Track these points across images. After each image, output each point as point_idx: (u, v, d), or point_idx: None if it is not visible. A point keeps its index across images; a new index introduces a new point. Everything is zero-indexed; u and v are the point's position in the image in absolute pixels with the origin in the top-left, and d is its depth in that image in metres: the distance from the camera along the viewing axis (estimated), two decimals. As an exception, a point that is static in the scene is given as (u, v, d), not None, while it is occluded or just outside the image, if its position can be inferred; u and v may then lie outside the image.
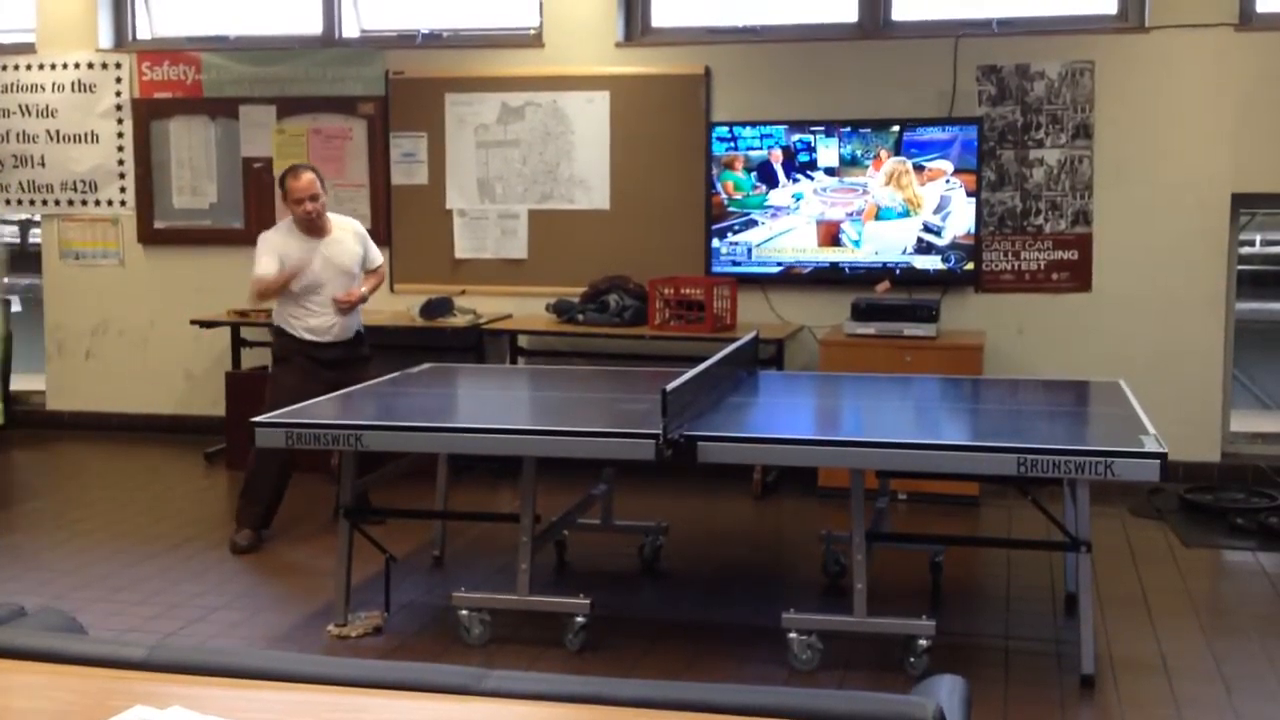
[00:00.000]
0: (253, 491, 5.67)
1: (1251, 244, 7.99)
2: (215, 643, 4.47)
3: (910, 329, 6.37)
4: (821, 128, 6.74)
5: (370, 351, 5.95)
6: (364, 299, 5.76)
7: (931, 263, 6.70)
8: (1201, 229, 6.59)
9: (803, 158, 6.78)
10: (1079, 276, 6.74)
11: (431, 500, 5.33)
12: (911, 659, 4.15)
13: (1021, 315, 6.80)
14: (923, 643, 4.13)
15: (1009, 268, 6.80)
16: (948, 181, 6.63)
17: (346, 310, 5.68)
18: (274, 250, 5.56)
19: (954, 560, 5.19)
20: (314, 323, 5.65)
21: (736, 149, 6.85)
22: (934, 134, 6.63)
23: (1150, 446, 3.87)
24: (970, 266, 6.68)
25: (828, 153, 6.74)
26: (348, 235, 5.74)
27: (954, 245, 6.65)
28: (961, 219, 6.63)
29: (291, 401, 5.10)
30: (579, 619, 4.37)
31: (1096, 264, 6.72)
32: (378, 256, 5.92)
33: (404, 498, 5.60)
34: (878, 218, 6.74)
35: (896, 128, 6.67)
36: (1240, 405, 7.08)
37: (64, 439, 7.96)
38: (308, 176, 5.55)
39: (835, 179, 6.76)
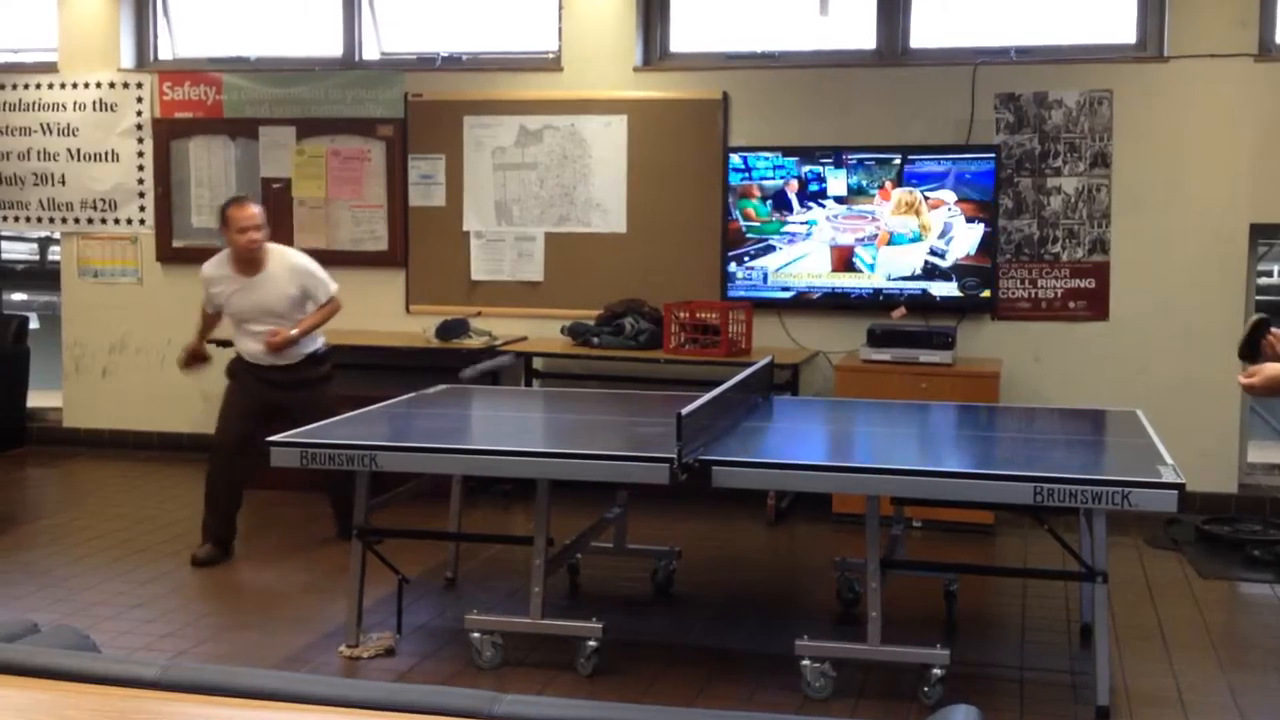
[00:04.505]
0: (209, 505, 5.80)
1: (1269, 274, 7.97)
2: (227, 662, 4.46)
3: (926, 356, 6.36)
4: (830, 158, 6.76)
5: (330, 370, 5.97)
6: (291, 341, 5.69)
7: (948, 289, 6.69)
8: (1219, 258, 6.57)
9: (820, 184, 6.79)
10: (1096, 305, 6.73)
11: (445, 521, 5.33)
12: (925, 688, 4.12)
13: (1038, 343, 6.78)
14: (937, 672, 4.11)
15: (1026, 295, 6.78)
16: (949, 209, 6.64)
17: (273, 350, 5.68)
18: (204, 286, 5.79)
19: (969, 589, 5.16)
20: (248, 347, 5.77)
21: (751, 178, 6.86)
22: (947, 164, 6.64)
23: (1168, 477, 3.85)
24: (986, 294, 6.68)
25: (841, 180, 6.75)
26: (283, 273, 5.70)
27: (957, 267, 6.66)
28: (963, 244, 6.64)
29: (236, 418, 5.64)
30: (591, 643, 4.35)
31: (1114, 293, 6.70)
32: (325, 292, 5.79)
33: (417, 519, 5.60)
34: (890, 243, 6.74)
35: (916, 154, 6.68)
36: (1258, 436, 7.05)
37: (80, 457, 7.98)
38: (252, 207, 5.69)
39: (846, 206, 6.77)
